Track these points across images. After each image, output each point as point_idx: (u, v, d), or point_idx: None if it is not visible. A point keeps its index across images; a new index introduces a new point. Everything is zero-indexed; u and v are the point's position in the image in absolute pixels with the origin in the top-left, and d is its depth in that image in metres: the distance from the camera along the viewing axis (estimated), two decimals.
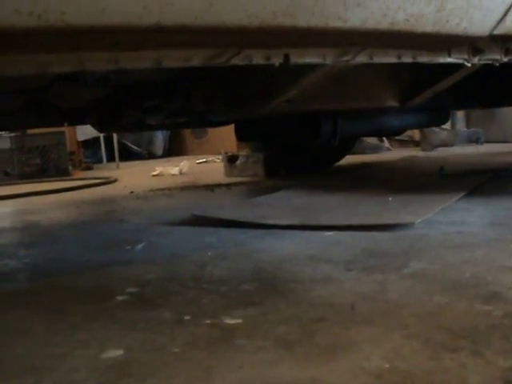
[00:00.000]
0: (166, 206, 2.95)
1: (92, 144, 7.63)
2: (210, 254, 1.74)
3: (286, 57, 1.38)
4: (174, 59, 1.24)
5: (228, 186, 3.65)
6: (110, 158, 7.48)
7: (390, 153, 6.12)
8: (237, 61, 1.31)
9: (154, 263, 1.66)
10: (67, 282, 1.53)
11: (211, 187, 3.61)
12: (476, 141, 6.08)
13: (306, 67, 1.61)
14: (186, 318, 1.18)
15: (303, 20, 1.21)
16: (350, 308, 1.18)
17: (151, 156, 8.59)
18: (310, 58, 1.43)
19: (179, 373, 0.93)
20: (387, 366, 0.90)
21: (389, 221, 1.96)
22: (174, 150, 9.06)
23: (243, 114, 2.43)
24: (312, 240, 1.86)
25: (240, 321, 1.15)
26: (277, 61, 1.37)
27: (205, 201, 3.05)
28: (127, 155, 7.99)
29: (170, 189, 3.70)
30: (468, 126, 6.76)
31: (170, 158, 8.05)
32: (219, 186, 3.68)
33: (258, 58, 1.34)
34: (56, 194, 3.85)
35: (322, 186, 3.12)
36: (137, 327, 1.14)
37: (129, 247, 1.88)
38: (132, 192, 3.63)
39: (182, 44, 1.20)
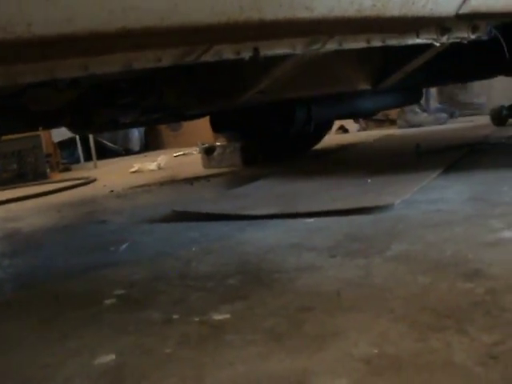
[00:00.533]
0: (146, 203, 2.95)
1: (68, 144, 7.58)
2: (194, 249, 1.75)
3: (256, 50, 1.39)
4: (143, 61, 1.24)
5: (207, 178, 3.66)
6: (87, 158, 7.44)
7: (366, 133, 6.15)
8: (207, 57, 1.32)
9: (139, 263, 1.67)
10: (54, 289, 1.53)
11: (190, 180, 3.61)
12: (451, 115, 6.12)
13: (276, 58, 1.62)
14: (175, 317, 1.19)
15: (271, 13, 1.22)
16: (336, 295, 1.20)
17: (128, 152, 8.56)
18: (279, 49, 1.44)
19: (172, 374, 0.94)
20: (375, 351, 0.92)
21: (368, 204, 1.98)
22: (150, 144, 9.04)
23: (217, 106, 2.44)
24: (294, 228, 1.88)
25: (228, 316, 1.16)
26: (247, 54, 1.38)
27: (185, 195, 3.06)
28: (104, 153, 7.95)
29: (149, 185, 3.70)
30: (442, 100, 6.80)
31: (147, 153, 8.02)
32: (198, 178, 3.68)
33: (227, 53, 1.35)
34: (35, 199, 3.84)
35: (301, 172, 3.14)
36: (127, 330, 1.15)
37: (113, 248, 1.89)
38: (112, 191, 3.62)
39: (150, 45, 1.21)
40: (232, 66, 1.66)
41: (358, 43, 1.61)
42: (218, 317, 1.16)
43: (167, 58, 1.27)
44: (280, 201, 2.35)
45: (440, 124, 5.68)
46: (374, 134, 5.49)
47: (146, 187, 3.61)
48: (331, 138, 5.10)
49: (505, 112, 4.62)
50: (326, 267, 1.40)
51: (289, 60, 1.78)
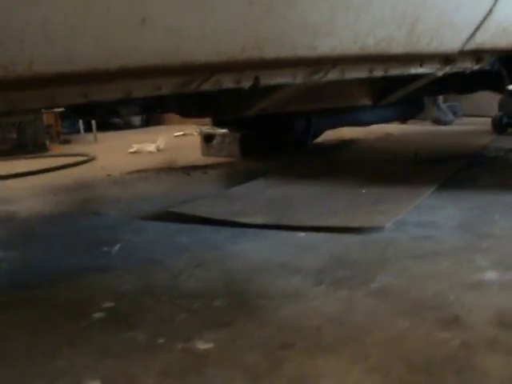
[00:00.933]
0: (142, 193, 2.98)
1: (69, 115, 7.57)
2: (184, 259, 1.78)
3: (257, 79, 1.41)
4: (143, 89, 1.27)
5: (204, 168, 3.68)
6: (88, 129, 7.45)
7: (367, 128, 6.14)
8: (207, 86, 1.35)
9: (130, 271, 1.70)
10: (45, 294, 1.57)
11: (187, 170, 3.64)
12: (454, 114, 6.14)
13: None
14: (160, 341, 1.23)
15: (272, 51, 1.25)
16: (316, 332, 1.24)
17: (129, 126, 8.55)
18: (280, 78, 1.47)
19: None
20: None
21: (359, 224, 2.02)
22: (151, 120, 9.03)
23: (215, 116, 2.46)
24: (284, 242, 1.91)
25: (211, 345, 1.20)
26: (247, 84, 1.41)
27: (181, 188, 3.09)
28: (105, 125, 7.94)
29: (146, 171, 3.72)
30: (445, 100, 6.81)
31: (147, 129, 8.02)
32: (195, 168, 3.70)
33: (228, 82, 1.38)
34: (33, 176, 3.85)
35: (297, 173, 3.17)
36: (113, 352, 1.19)
37: (106, 248, 1.92)
38: (109, 175, 3.64)
39: (151, 76, 1.23)
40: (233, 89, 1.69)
41: (360, 73, 1.63)
42: (201, 346, 1.20)
43: (167, 86, 1.30)
44: (274, 207, 2.39)
45: (448, 123, 5.70)
46: (375, 128, 5.48)
47: (142, 173, 3.64)
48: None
49: (505, 120, 4.65)
50: (310, 296, 1.44)
51: (290, 86, 1.81)
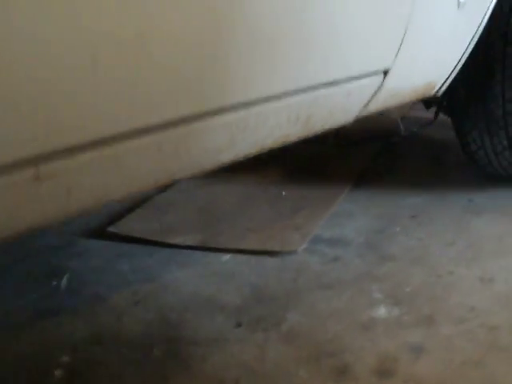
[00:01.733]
0: None
1: None
2: (125, 293, 2.04)
3: None
4: None
5: None
6: None
7: None
8: None
9: (78, 313, 1.90)
10: (5, 344, 1.76)
11: None
12: None
13: None
14: None
15: (180, 174, 1.48)
16: None
17: None
18: None
19: None
20: None
21: (274, 247, 2.30)
22: None
23: None
24: (210, 268, 2.16)
25: None
26: None
27: None
28: None
29: None
30: None
31: None
32: None
33: None
34: None
35: (225, 167, 3.40)
36: None
37: (55, 282, 2.13)
38: None
39: None
40: None
41: None
42: None
43: None
44: (203, 219, 2.65)
45: None
46: None
47: None
48: None
49: None
50: (231, 341, 1.71)
51: None
